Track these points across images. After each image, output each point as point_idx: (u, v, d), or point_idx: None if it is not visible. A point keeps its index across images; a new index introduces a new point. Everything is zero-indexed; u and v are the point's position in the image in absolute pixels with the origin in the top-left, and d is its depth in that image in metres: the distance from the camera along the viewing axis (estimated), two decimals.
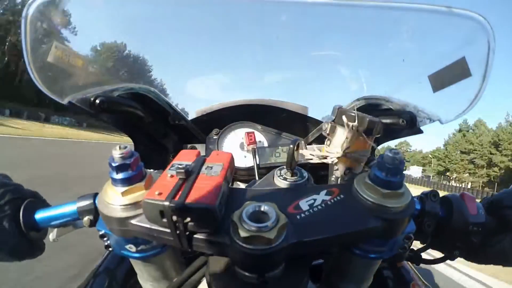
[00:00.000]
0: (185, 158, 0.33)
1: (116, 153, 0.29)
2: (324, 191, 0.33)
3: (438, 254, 0.44)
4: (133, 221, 0.29)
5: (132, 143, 0.70)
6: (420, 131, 0.59)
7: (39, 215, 0.39)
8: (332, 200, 0.32)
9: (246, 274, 0.29)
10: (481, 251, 0.41)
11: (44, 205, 0.41)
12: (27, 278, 2.01)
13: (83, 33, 0.59)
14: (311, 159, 0.42)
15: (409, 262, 0.52)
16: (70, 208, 0.39)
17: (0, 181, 0.38)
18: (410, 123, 0.56)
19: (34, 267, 2.09)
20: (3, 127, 13.03)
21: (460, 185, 45.04)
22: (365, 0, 0.54)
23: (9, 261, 0.37)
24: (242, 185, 0.78)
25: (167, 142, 0.79)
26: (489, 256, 0.41)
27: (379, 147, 0.72)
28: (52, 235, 0.41)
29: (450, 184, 45.19)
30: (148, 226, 0.28)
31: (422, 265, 0.49)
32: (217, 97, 0.84)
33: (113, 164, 0.29)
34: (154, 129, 0.73)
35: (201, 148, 0.79)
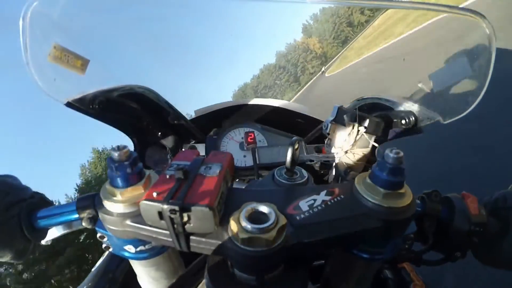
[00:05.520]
0: (183, 158, 0.32)
1: (115, 154, 0.28)
2: (324, 191, 0.33)
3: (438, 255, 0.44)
4: (132, 222, 0.28)
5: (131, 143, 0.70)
6: (421, 131, 0.58)
7: (40, 216, 0.38)
8: (332, 201, 0.31)
9: (245, 275, 0.29)
10: (483, 252, 0.41)
11: (46, 206, 0.40)
12: None
13: (83, 33, 0.59)
14: (312, 160, 0.42)
15: (409, 264, 0.52)
16: (69, 209, 0.39)
17: (4, 184, 0.38)
18: (410, 123, 0.56)
19: None
20: None
21: None
22: None
23: (14, 262, 0.38)
24: (241, 185, 0.78)
25: (167, 142, 0.78)
26: (491, 257, 0.41)
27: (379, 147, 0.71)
28: (50, 235, 0.41)
29: None
30: (146, 227, 0.28)
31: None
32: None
33: (112, 165, 0.28)
34: (153, 129, 0.73)
35: (200, 148, 0.79)
